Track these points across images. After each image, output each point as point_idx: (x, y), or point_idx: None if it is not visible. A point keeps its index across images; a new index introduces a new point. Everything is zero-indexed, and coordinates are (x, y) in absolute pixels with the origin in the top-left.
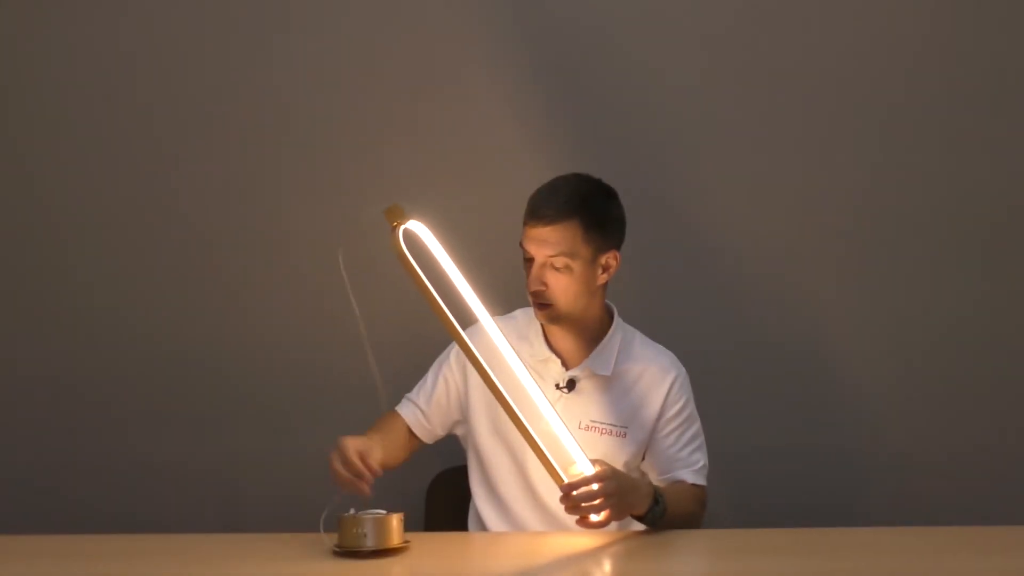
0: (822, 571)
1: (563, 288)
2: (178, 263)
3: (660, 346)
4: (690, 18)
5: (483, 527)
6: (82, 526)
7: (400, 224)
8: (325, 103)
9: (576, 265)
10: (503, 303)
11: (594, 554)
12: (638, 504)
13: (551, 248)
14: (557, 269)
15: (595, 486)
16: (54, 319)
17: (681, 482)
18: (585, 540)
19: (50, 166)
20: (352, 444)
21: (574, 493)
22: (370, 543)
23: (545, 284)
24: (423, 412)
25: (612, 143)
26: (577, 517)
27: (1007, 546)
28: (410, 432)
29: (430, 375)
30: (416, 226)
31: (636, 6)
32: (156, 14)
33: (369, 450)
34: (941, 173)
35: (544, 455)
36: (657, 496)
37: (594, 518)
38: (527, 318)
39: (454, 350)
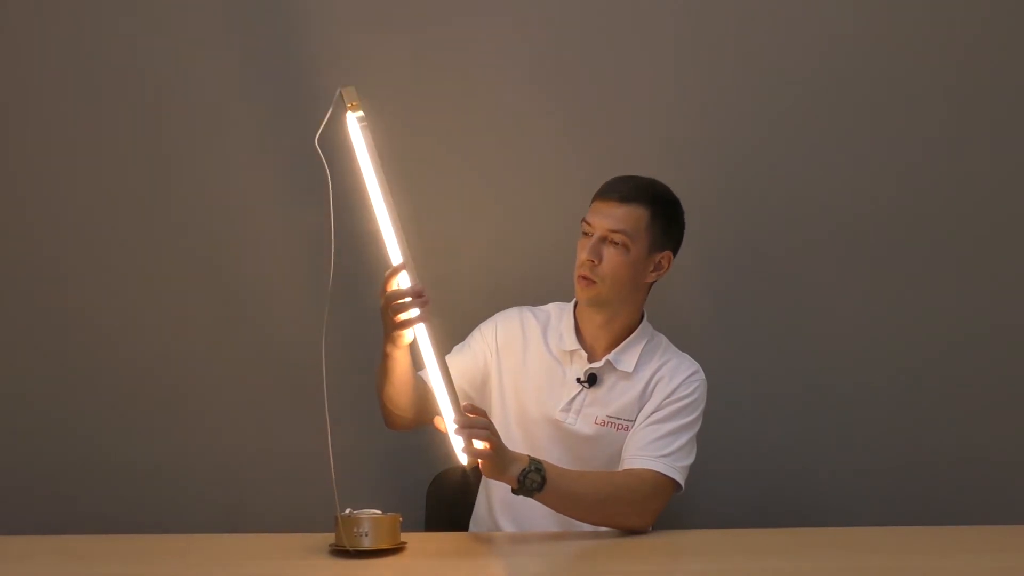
0: (822, 571)
1: (615, 266)
2: (178, 262)
3: (686, 354)
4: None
5: (486, 525)
6: (82, 526)
7: (352, 109)
8: (321, 102)
9: (634, 249)
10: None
11: (595, 553)
12: (506, 465)
13: (615, 223)
14: (615, 244)
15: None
16: (54, 319)
17: (644, 469)
18: (585, 540)
19: (48, 166)
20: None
21: (471, 415)
22: (368, 543)
23: (599, 258)
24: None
25: (610, 145)
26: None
27: (1007, 546)
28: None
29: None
30: (356, 122)
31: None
32: (148, 12)
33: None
34: (946, 175)
35: (452, 386)
36: (533, 468)
37: (478, 444)
38: (559, 311)
39: (491, 326)
